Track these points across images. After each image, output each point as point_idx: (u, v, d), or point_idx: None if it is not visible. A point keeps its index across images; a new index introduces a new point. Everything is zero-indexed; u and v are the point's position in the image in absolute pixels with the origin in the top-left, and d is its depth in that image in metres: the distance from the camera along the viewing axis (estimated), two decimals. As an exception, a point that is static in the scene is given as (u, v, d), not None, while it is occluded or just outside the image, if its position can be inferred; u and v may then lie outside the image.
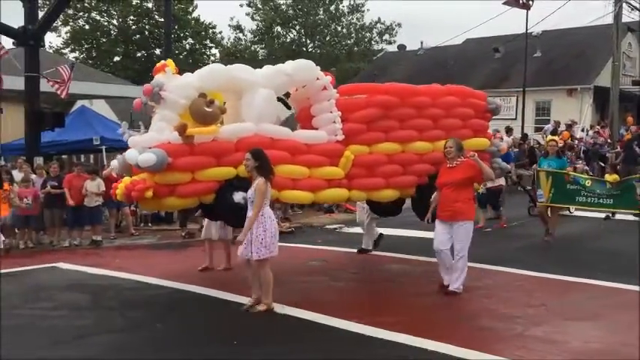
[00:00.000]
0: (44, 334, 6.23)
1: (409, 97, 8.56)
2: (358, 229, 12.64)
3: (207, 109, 7.49)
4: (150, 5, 41.34)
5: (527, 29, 25.60)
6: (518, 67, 26.73)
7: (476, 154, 7.37)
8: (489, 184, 12.70)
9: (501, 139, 15.12)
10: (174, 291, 8.10)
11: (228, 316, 6.79)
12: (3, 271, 9.09)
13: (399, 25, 47.43)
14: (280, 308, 6.73)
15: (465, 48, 33.85)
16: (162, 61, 8.17)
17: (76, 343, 5.95)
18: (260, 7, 47.50)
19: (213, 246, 9.35)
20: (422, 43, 38.04)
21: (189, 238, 13.10)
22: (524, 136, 21.18)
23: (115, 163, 8.01)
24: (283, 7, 47.25)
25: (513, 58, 28.84)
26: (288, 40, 48.83)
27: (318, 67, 8.27)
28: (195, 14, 42.64)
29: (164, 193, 7.43)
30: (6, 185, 11.73)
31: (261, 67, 8.42)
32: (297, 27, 48.42)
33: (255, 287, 6.76)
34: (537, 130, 25.92)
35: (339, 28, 48.74)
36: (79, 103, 21.65)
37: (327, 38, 48.87)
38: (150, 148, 7.26)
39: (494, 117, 9.74)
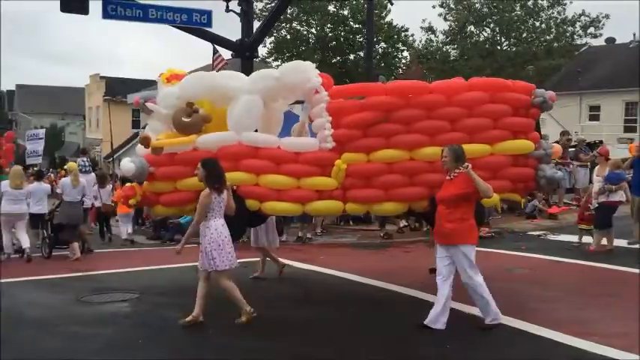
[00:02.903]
0: (271, 324, 6.73)
1: (415, 96, 7.39)
2: (565, 237, 11.93)
3: (184, 120, 7.40)
4: (345, 12, 42.84)
5: None
6: None
7: (470, 165, 6.10)
8: (602, 198, 10.52)
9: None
10: (378, 289, 8.34)
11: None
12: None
13: (607, 16, 43.49)
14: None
15: (688, 38, 30.08)
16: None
17: (299, 334, 6.37)
18: (453, 7, 46.80)
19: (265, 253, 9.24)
20: (634, 35, 34.66)
21: (388, 239, 13.38)
22: None
23: None
24: (477, 5, 46.02)
25: None
26: (481, 39, 47.44)
27: (314, 69, 7.63)
28: (387, 18, 43.25)
29: (153, 201, 7.76)
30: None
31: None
32: (492, 25, 46.82)
33: (199, 300, 6.53)
34: None
35: (537, 24, 46.14)
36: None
37: (524, 35, 46.53)
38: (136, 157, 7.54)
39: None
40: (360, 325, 6.57)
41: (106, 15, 12.75)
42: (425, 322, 6.20)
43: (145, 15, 13.14)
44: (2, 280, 9.12)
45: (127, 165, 7.63)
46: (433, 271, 9.04)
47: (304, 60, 31.48)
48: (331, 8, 42.80)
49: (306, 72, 7.57)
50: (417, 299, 7.65)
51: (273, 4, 37.03)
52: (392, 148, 7.33)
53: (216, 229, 6.35)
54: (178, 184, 7.51)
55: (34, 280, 9.21)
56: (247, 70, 15.03)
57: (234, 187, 7.08)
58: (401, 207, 7.70)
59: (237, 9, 15.35)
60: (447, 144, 6.86)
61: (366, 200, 7.49)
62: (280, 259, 9.42)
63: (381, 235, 13.50)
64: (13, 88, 61.37)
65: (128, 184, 8.14)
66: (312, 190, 7.38)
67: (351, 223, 15.02)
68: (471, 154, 7.11)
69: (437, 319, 6.16)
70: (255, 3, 18.02)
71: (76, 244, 11.41)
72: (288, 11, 39.87)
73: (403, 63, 46.28)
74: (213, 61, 15.57)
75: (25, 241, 11.16)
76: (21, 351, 5.82)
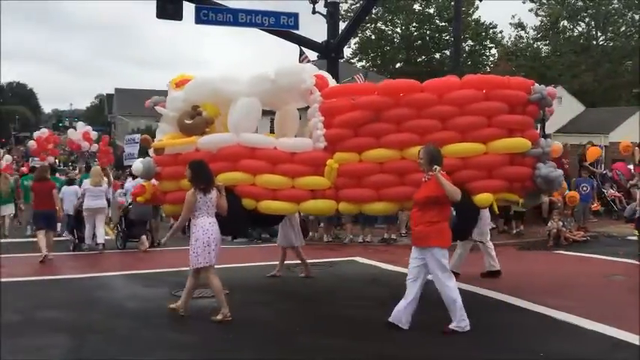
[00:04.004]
0: (355, 324, 6.78)
1: (405, 95, 7.27)
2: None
3: (186, 122, 7.82)
4: (431, 11, 42.28)
5: None
6: None
7: (438, 167, 6.00)
8: None
9: None
10: (465, 292, 8.14)
11: (525, 324, 6.60)
12: (314, 260, 10.15)
13: None
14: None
15: None
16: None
17: (384, 334, 6.31)
18: (545, 1, 45.07)
19: (286, 253, 9.31)
20: None
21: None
22: None
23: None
24: (571, -2, 44.09)
25: None
26: (575, 34, 45.42)
27: (308, 70, 7.67)
28: (475, 15, 42.29)
29: (161, 199, 8.32)
30: None
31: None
32: (587, 19, 44.70)
33: (185, 295, 6.88)
34: None
35: (637, 17, 43.60)
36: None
37: (622, 29, 44.13)
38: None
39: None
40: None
41: (199, 20, 13.19)
42: (389, 319, 6.31)
43: (235, 19, 13.50)
44: (102, 274, 9.66)
45: (137, 164, 8.67)
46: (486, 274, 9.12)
47: (388, 59, 31.34)
48: (417, 7, 42.42)
49: (300, 74, 7.68)
50: (504, 303, 7.45)
51: (358, 5, 37.15)
52: (382, 147, 7.29)
53: (202, 227, 6.61)
54: (181, 183, 7.70)
55: (130, 275, 9.71)
56: (333, 71, 15.15)
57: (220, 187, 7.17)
58: (391, 207, 7.71)
59: (323, 11, 15.49)
60: (439, 143, 6.79)
61: (358, 200, 7.49)
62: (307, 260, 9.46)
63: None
64: (113, 92, 65.01)
65: (139, 183, 9.01)
66: (306, 189, 7.48)
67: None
68: (464, 153, 7.05)
69: (399, 316, 6.27)
70: (340, 4, 18.01)
71: (144, 237, 12.48)
72: (373, 11, 39.81)
73: (491, 61, 45.14)
74: (300, 63, 15.74)
75: (101, 236, 12.31)
76: (124, 341, 6.15)
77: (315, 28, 17.28)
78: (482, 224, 8.76)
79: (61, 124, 56.14)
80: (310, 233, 13.90)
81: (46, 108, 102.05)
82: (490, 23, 43.52)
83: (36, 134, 25.03)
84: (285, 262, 9.39)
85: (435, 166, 6.05)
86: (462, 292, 8.11)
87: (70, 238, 13.06)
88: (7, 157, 27.13)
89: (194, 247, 6.64)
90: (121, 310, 7.40)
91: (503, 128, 7.19)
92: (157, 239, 13.01)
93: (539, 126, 7.45)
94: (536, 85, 7.38)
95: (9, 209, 15.23)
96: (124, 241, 12.87)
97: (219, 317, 6.65)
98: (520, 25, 46.23)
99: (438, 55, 43.72)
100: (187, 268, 10.14)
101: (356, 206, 7.65)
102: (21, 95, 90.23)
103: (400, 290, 8.49)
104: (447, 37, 41.31)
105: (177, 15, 13.02)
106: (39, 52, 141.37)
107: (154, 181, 8.38)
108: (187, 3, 13.01)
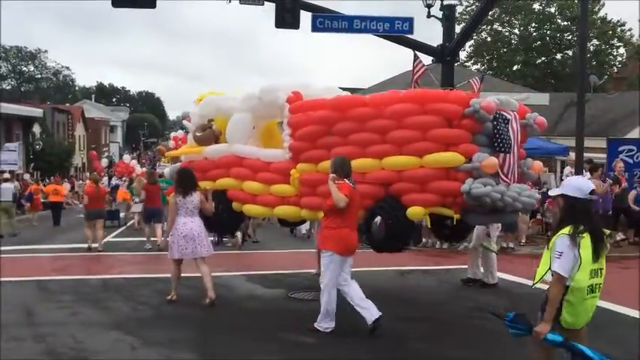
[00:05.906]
0: (472, 333, 6.67)
1: (349, 109, 7.61)
2: None
3: (197, 134, 9.00)
4: (552, 10, 40.36)
5: None
6: None
7: (333, 175, 6.36)
8: None
9: None
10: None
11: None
12: (427, 267, 10.09)
13: None
14: None
15: None
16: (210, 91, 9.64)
17: (487, 346, 6.17)
18: (681, -6, 41.54)
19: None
20: None
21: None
22: None
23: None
24: None
25: None
26: None
27: (283, 88, 8.25)
28: (601, 13, 39.83)
29: None
30: None
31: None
32: None
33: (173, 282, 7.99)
34: None
35: None
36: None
37: None
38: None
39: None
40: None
41: (315, 28, 13.50)
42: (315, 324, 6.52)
43: (350, 26, 13.66)
44: (223, 274, 10.10)
45: (166, 169, 10.63)
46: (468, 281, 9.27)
47: (505, 61, 29.94)
48: (536, 6, 40.59)
49: (275, 92, 8.33)
50: (632, 319, 7.00)
51: (473, 7, 36.24)
52: (330, 159, 7.51)
53: (176, 226, 7.69)
54: None
55: (248, 275, 10.11)
56: (448, 75, 14.92)
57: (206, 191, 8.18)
58: None
59: (438, 14, 15.29)
60: (378, 156, 7.34)
61: (313, 207, 7.90)
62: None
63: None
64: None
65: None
66: (276, 196, 8.23)
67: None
68: (400, 165, 7.25)
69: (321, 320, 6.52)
70: (455, 6, 17.64)
71: (238, 233, 13.39)
72: (489, 13, 38.64)
73: (618, 61, 42.28)
74: (414, 68, 15.65)
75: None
76: (244, 339, 6.44)
77: (428, 31, 17.10)
78: (491, 230, 9.15)
79: (184, 130, 59.51)
80: (423, 239, 13.78)
81: (171, 115, 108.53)
82: (618, 21, 40.69)
83: (173, 134, 27.97)
84: (399, 267, 9.41)
85: (331, 174, 6.39)
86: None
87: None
88: (127, 157, 30.15)
89: (171, 242, 7.78)
90: (241, 308, 7.75)
91: (438, 142, 7.16)
92: (246, 235, 14.40)
93: (497, 140, 7.06)
94: (475, 98, 7.20)
95: (140, 207, 17.06)
96: (219, 237, 13.91)
97: (207, 301, 7.57)
98: (653, 22, 42.96)
99: (559, 56, 41.61)
100: (302, 271, 10.54)
101: (313, 213, 8.09)
102: (149, 104, 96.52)
103: (520, 300, 8.27)
104: (570, 37, 39.22)
105: (295, 24, 13.42)
106: (161, 61, 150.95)
107: None
108: (304, 12, 13.38)
